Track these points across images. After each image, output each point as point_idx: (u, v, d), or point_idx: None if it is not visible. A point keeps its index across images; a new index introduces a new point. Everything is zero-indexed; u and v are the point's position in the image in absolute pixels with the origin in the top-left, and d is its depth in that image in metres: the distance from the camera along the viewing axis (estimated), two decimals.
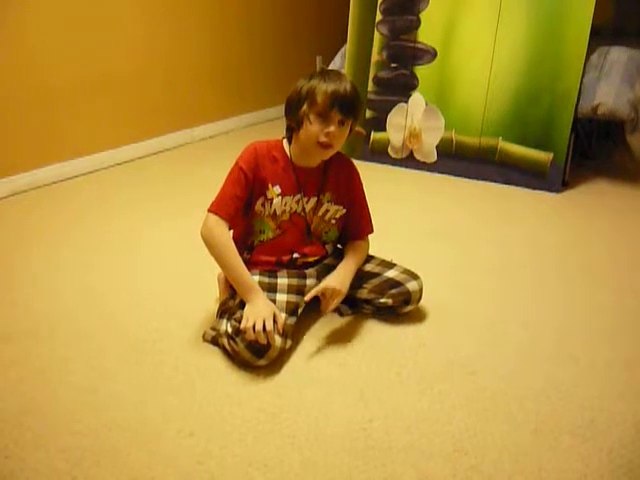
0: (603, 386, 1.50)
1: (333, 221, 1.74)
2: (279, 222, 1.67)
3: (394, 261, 1.78)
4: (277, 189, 1.64)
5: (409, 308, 1.74)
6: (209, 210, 1.60)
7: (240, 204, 1.62)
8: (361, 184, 1.78)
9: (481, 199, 2.85)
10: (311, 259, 1.73)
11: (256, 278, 1.62)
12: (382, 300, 1.72)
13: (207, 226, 1.58)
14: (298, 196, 1.66)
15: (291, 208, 1.67)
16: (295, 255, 1.70)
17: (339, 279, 1.64)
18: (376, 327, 1.73)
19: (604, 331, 1.75)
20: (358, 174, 1.77)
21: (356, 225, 1.78)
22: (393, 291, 1.70)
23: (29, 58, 2.71)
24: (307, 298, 1.62)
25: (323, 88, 1.53)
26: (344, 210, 1.74)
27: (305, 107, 1.55)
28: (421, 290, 1.73)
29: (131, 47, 3.18)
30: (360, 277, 1.72)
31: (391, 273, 1.72)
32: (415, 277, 1.73)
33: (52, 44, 2.78)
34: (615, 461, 1.25)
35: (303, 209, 1.68)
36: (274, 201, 1.64)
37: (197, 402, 1.41)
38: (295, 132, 1.61)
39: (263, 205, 1.65)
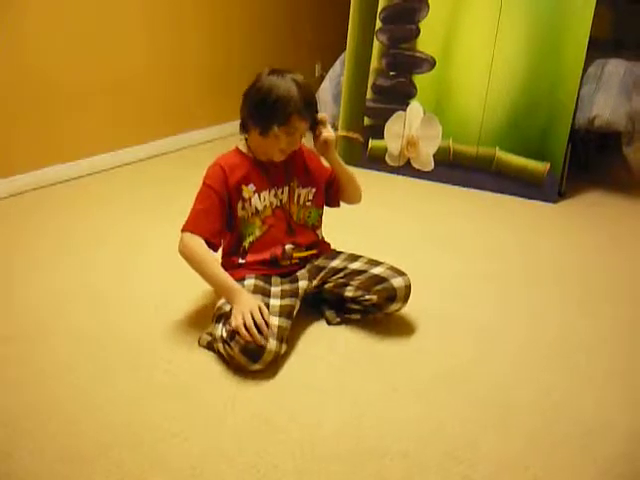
0: (599, 396, 1.50)
1: (308, 203, 1.78)
2: (263, 218, 1.71)
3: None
4: (251, 187, 1.69)
5: (395, 306, 1.71)
6: (182, 230, 1.65)
7: (212, 217, 1.65)
8: (319, 158, 1.81)
9: (478, 208, 2.86)
10: (305, 253, 1.76)
11: (252, 282, 1.64)
12: (367, 297, 1.70)
13: (183, 243, 1.64)
14: (273, 190, 1.72)
15: (271, 203, 1.72)
16: (288, 246, 1.73)
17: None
18: (372, 334, 1.73)
19: (600, 341, 1.75)
20: (312, 151, 1.80)
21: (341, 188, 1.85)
22: (378, 287, 1.69)
23: (32, 60, 2.71)
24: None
25: (293, 106, 1.57)
26: (314, 189, 1.79)
27: (276, 128, 1.59)
28: (407, 287, 1.70)
29: (133, 49, 3.18)
30: (347, 275, 1.73)
31: (377, 270, 1.72)
32: (401, 274, 1.71)
33: (54, 46, 2.78)
34: (610, 472, 1.25)
35: (281, 201, 1.73)
36: (252, 199, 1.69)
37: (192, 406, 1.40)
38: (253, 131, 1.65)
39: (244, 208, 1.69)
